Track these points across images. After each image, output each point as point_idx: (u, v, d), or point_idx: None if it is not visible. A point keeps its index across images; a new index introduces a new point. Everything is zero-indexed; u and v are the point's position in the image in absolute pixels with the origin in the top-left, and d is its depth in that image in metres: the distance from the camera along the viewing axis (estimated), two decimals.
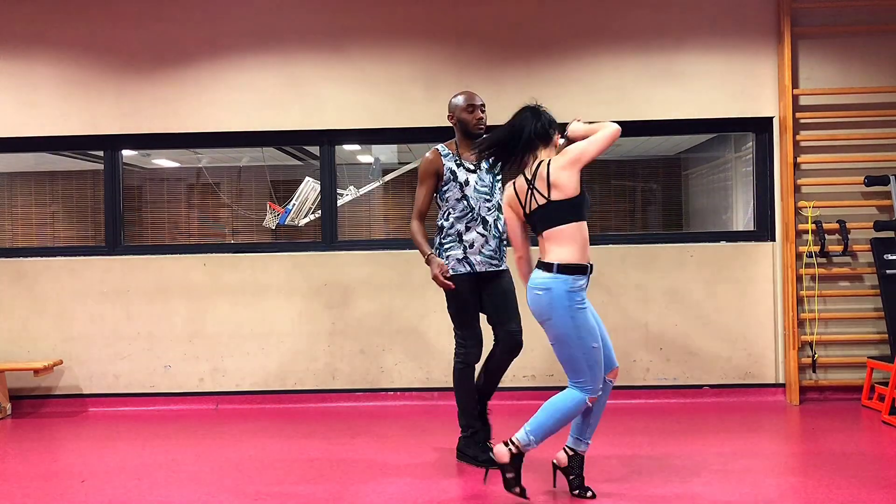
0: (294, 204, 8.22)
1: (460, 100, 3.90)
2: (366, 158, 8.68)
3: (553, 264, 3.20)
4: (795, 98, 5.31)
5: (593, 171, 10.33)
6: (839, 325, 5.32)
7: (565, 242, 3.21)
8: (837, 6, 5.33)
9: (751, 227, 5.60)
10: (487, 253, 3.86)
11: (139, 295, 5.49)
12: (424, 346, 5.43)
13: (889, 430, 4.45)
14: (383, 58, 5.46)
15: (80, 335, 5.50)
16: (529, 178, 3.27)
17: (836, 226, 5.27)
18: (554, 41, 5.43)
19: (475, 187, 3.86)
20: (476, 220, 3.85)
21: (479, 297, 3.90)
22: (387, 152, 8.32)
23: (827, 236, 5.28)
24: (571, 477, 3.38)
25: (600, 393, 3.31)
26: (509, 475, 3.26)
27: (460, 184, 3.86)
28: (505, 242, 3.92)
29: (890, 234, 5.20)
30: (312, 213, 8.06)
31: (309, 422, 4.97)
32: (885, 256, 5.12)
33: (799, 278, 5.31)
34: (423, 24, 5.45)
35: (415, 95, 5.41)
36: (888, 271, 5.08)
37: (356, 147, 7.94)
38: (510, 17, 5.43)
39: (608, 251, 5.42)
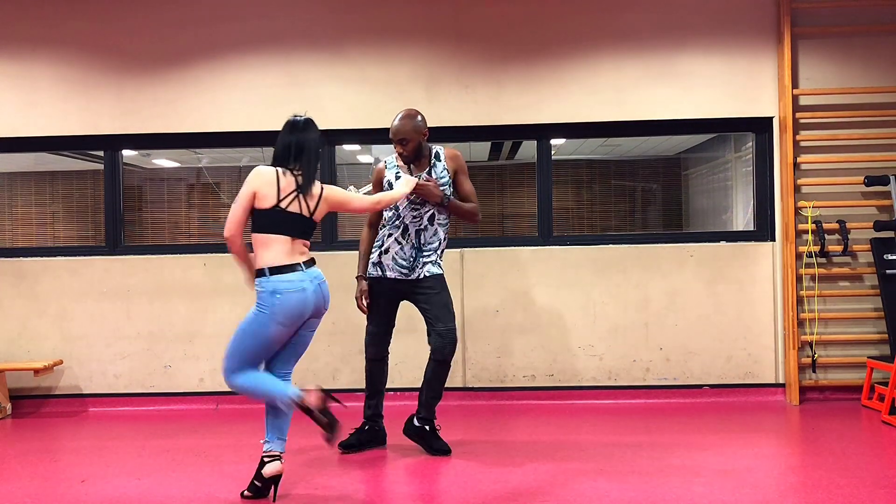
0: None
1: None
2: (366, 158, 8.68)
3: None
4: (795, 98, 5.31)
5: (594, 171, 10.35)
6: (839, 325, 5.32)
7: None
8: (837, 6, 5.33)
9: (751, 227, 5.60)
10: (399, 261, 4.06)
11: (139, 295, 5.49)
12: (425, 346, 5.43)
13: (889, 430, 4.45)
14: (383, 58, 5.47)
15: (80, 335, 5.50)
16: (300, 184, 3.49)
17: (836, 226, 5.28)
18: (554, 41, 5.43)
19: (407, 198, 4.04)
20: (399, 227, 4.07)
21: (392, 303, 4.17)
22: (387, 152, 8.32)
23: (827, 236, 5.28)
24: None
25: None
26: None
27: None
28: (426, 253, 4.07)
29: (890, 234, 5.20)
30: None
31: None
32: (885, 256, 5.12)
33: (799, 278, 5.31)
34: (423, 24, 5.46)
35: (415, 95, 5.41)
36: (888, 271, 5.09)
37: (356, 147, 7.94)
38: (510, 17, 5.43)
39: (608, 251, 5.42)
